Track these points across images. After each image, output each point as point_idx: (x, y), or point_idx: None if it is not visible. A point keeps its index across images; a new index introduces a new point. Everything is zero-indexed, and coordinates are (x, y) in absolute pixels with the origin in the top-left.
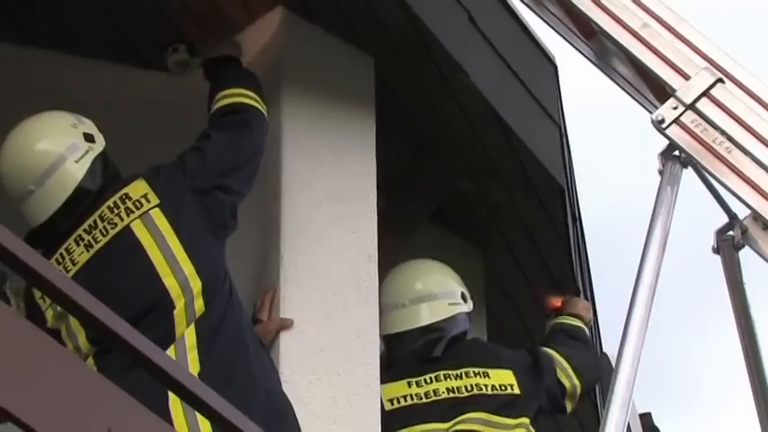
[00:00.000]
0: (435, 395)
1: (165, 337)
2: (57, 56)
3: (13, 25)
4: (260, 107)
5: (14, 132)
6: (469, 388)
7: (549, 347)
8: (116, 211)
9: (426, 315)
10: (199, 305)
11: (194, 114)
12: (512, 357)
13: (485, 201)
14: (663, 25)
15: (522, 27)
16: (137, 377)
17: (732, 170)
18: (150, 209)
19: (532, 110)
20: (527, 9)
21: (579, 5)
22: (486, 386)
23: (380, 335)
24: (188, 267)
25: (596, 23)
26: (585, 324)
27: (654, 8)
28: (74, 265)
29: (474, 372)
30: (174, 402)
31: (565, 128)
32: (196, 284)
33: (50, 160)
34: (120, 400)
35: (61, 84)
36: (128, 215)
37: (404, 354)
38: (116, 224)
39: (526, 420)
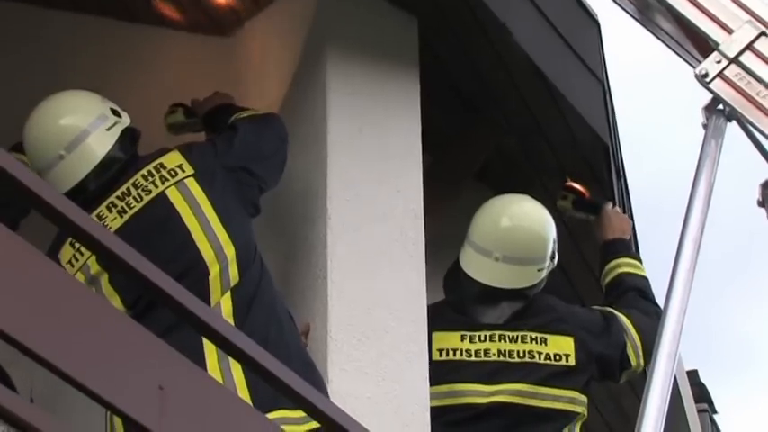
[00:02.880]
0: (485, 355)
1: None
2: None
3: None
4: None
5: (44, 103)
6: (521, 354)
7: (622, 312)
8: (150, 178)
9: (514, 279)
10: (233, 273)
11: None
12: (579, 321)
13: (529, 159)
14: None
15: None
16: (171, 342)
17: None
18: (185, 178)
19: (576, 67)
20: None
21: None
22: (539, 354)
23: (460, 264)
24: (222, 235)
25: None
26: (627, 241)
27: None
28: None
29: (531, 337)
30: (213, 367)
31: (608, 85)
32: (230, 251)
33: (82, 127)
34: (171, 358)
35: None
36: (162, 183)
37: (471, 299)
38: (150, 191)
39: (573, 393)
